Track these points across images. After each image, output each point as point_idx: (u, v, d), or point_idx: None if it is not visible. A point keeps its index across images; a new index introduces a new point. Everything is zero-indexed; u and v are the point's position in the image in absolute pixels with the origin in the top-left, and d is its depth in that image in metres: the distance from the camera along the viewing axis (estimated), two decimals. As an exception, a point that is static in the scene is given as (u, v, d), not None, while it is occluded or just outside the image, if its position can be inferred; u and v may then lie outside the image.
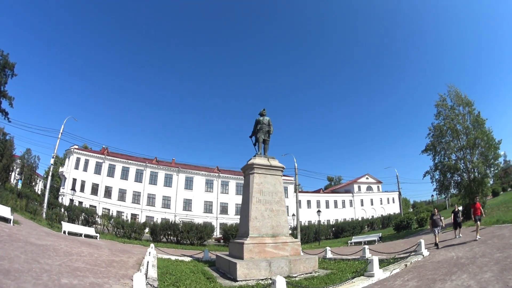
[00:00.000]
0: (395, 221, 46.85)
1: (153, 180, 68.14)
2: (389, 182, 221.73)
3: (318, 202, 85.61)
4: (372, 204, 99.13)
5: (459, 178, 36.77)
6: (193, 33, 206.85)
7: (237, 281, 12.34)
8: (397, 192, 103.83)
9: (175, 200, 68.05)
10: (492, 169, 35.41)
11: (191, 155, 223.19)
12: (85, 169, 63.07)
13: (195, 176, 72.43)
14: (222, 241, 39.59)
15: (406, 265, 13.45)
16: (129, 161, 67.36)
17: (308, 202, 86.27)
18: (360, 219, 69.29)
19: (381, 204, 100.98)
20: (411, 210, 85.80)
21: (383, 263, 14.35)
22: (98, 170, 64.09)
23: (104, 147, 68.77)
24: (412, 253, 15.86)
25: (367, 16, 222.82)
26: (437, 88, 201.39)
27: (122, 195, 64.12)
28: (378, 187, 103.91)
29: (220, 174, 75.12)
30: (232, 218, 68.00)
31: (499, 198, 51.17)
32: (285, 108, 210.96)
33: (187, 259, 20.13)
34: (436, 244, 18.21)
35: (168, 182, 69.43)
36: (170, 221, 40.82)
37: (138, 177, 67.04)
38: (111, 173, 65.05)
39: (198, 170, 73.54)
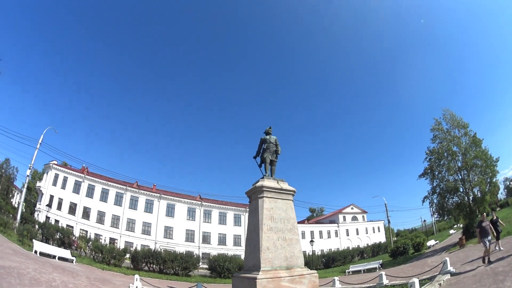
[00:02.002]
0: (391, 248, 46.85)
1: (134, 204, 65.39)
2: (374, 211, 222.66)
3: (303, 233, 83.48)
4: (357, 233, 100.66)
5: (458, 199, 37.00)
6: (178, 59, 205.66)
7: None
8: (382, 221, 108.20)
9: (155, 227, 65.34)
10: (493, 188, 36.30)
11: (172, 182, 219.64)
12: (63, 187, 59.77)
13: (177, 204, 70.19)
14: (209, 272, 36.90)
15: (440, 284, 12.99)
16: (109, 183, 64.45)
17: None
18: (346, 248, 70.39)
19: (367, 233, 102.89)
20: (395, 238, 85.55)
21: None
22: (77, 189, 60.97)
23: (84, 166, 65.99)
24: (439, 273, 15.09)
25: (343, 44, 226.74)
26: (423, 115, 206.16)
27: (100, 217, 60.90)
28: (363, 216, 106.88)
29: (202, 203, 73.23)
30: (215, 248, 66.60)
31: (503, 212, 53.22)
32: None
33: None
34: (486, 260, 15.53)
35: (148, 208, 66.84)
36: (150, 248, 38.90)
37: (118, 201, 64.07)
38: (90, 193, 61.92)
39: (180, 197, 71.43)
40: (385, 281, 16.66)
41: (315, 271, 14.73)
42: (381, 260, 36.85)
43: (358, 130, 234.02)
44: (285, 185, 15.87)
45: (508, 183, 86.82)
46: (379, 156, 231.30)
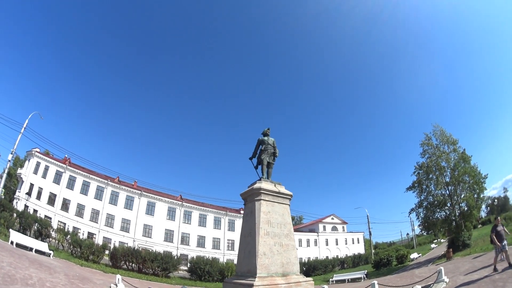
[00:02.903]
0: (373, 259, 46.87)
1: (114, 200, 63.40)
2: (355, 222, 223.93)
3: None
4: (337, 244, 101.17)
5: (444, 213, 37.52)
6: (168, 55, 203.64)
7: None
8: (362, 233, 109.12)
9: (135, 224, 63.54)
10: (480, 204, 37.07)
11: (154, 179, 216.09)
12: (44, 176, 57.41)
13: (157, 202, 68.57)
14: (189, 274, 36.07)
15: None
16: (91, 176, 62.37)
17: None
18: (325, 258, 70.80)
19: (346, 244, 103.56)
20: (373, 250, 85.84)
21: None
22: (57, 179, 58.67)
23: (67, 156, 63.67)
24: (435, 282, 15.39)
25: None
26: (408, 131, 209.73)
27: (80, 210, 58.68)
28: (343, 227, 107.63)
29: (183, 203, 71.80)
30: (194, 250, 65.64)
31: (485, 229, 52.05)
32: (246, 141, 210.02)
33: None
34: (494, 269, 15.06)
35: (129, 204, 64.98)
36: (129, 246, 37.93)
37: (99, 195, 62.02)
38: (70, 185, 59.60)
39: (161, 196, 69.73)
40: None
41: (311, 279, 14.16)
42: (366, 271, 36.45)
43: (342, 142, 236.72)
44: (282, 189, 15.26)
45: (489, 201, 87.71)
46: (361, 169, 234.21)
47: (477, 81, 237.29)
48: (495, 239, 15.11)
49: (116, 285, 15.98)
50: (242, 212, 77.46)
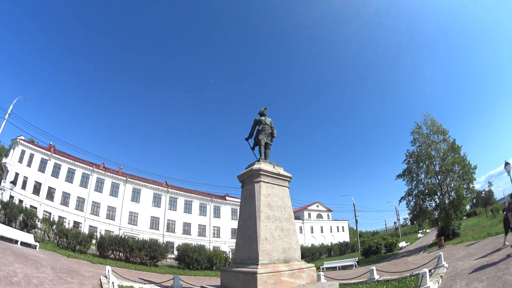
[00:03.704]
0: (362, 247, 46.77)
1: (99, 187, 61.96)
2: (339, 210, 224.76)
3: None
4: (322, 231, 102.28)
5: (433, 202, 37.85)
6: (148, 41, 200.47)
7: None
8: (347, 221, 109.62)
9: (120, 212, 62.40)
10: (469, 194, 36.54)
11: (140, 164, 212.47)
12: (29, 165, 55.54)
13: (142, 189, 67.50)
14: (176, 262, 34.98)
15: (441, 276, 13.05)
16: (76, 163, 60.73)
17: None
18: (311, 245, 71.10)
19: (331, 232, 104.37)
20: (356, 239, 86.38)
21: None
22: (42, 167, 56.85)
23: (51, 144, 61.75)
24: (436, 267, 15.10)
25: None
26: (397, 121, 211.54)
27: (65, 199, 57.05)
28: (328, 215, 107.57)
29: (169, 189, 70.80)
30: (179, 237, 65.18)
31: (471, 220, 54.57)
32: (229, 123, 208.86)
33: None
34: None
35: (114, 191, 63.71)
36: (116, 234, 37.71)
37: (84, 182, 60.53)
38: (55, 173, 57.96)
39: (146, 182, 68.57)
40: (376, 276, 16.33)
41: (313, 265, 13.46)
42: (357, 258, 36.16)
43: (329, 130, 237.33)
44: (281, 170, 14.53)
45: (474, 194, 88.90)
46: (347, 157, 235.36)
47: (464, 80, 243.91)
48: (511, 219, 14.64)
49: (106, 277, 15.00)
50: (227, 198, 77.56)
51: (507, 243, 16.16)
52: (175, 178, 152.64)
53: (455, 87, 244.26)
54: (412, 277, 14.17)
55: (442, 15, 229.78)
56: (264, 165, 13.77)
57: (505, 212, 16.55)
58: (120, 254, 30.43)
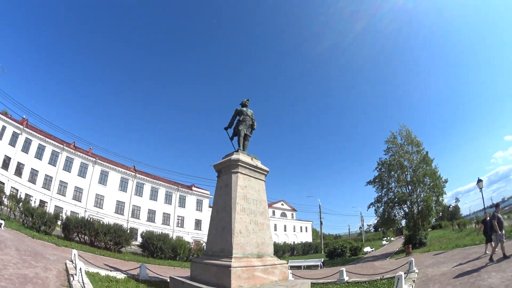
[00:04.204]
0: (328, 248, 46.86)
1: (68, 166, 59.03)
2: (304, 210, 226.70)
3: None
4: (285, 230, 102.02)
5: (402, 211, 38.15)
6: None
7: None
8: (310, 222, 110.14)
9: (87, 194, 59.72)
10: (438, 206, 37.13)
11: (109, 145, 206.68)
12: (0, 137, 51.75)
13: (111, 172, 65.08)
14: (140, 250, 33.81)
15: (413, 281, 13.10)
16: (47, 139, 57.39)
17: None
18: (273, 243, 69.09)
19: (294, 231, 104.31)
20: (319, 241, 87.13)
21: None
22: (13, 141, 52.98)
23: (24, 117, 58.23)
24: (408, 272, 14.95)
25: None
26: (368, 130, 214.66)
27: (33, 176, 53.79)
28: (292, 214, 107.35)
29: (136, 175, 68.74)
30: (143, 224, 63.54)
31: (436, 232, 55.41)
32: (202, 116, 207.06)
33: (121, 276, 14.95)
34: (503, 253, 14.26)
35: (82, 172, 60.94)
36: (82, 216, 36.06)
37: (53, 160, 57.38)
38: (26, 148, 54.36)
39: (115, 165, 66.25)
40: (346, 278, 16.11)
41: (285, 262, 13.16)
42: (322, 259, 36.29)
43: (300, 132, 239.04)
44: (259, 163, 14.13)
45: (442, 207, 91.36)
46: (316, 159, 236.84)
47: (438, 97, 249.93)
48: (497, 226, 14.37)
49: (72, 261, 14.24)
50: (193, 188, 76.59)
51: (488, 252, 16.20)
52: (144, 163, 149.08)
53: (433, 105, 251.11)
54: (384, 280, 14.06)
55: (426, 34, 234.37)
56: (243, 156, 13.32)
57: (487, 222, 16.68)
58: (85, 237, 29.06)
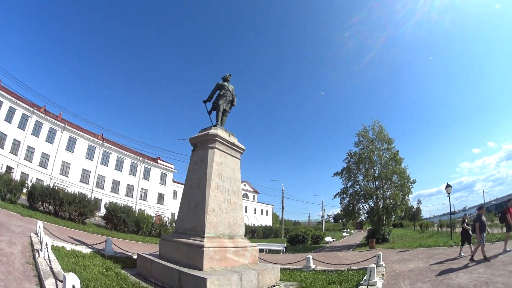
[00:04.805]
0: (290, 234, 46.56)
1: (36, 131, 55.41)
2: (266, 193, 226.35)
3: None
4: (246, 211, 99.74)
5: (366, 205, 38.75)
6: None
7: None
8: (271, 206, 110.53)
9: (53, 161, 56.73)
10: (403, 205, 37.33)
11: (79, 110, 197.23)
12: None
13: (79, 138, 61.93)
14: (104, 222, 32.92)
15: (383, 274, 12.82)
16: (18, 102, 53.36)
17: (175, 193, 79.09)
18: None
19: (255, 213, 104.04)
20: (279, 225, 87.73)
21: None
22: None
23: None
24: (376, 266, 13.90)
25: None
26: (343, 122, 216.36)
27: (1, 140, 50.26)
28: (254, 196, 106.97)
29: (104, 143, 66.15)
30: (107, 195, 61.67)
31: (398, 231, 55.29)
32: (175, 89, 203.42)
33: (87, 251, 14.12)
34: (483, 256, 14.14)
35: (51, 137, 57.54)
36: (47, 184, 35.02)
37: (22, 124, 53.64)
38: None
39: (83, 132, 63.04)
40: (312, 266, 15.88)
41: (255, 244, 12.68)
42: (285, 244, 36.30)
43: (270, 116, 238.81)
44: (236, 141, 13.57)
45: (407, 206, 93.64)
46: (282, 143, 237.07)
47: (413, 101, 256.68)
48: (478, 230, 14.42)
49: (37, 234, 13.37)
50: (158, 161, 75.24)
51: (463, 254, 16.43)
52: (113, 132, 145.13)
53: (406, 107, 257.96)
54: (351, 271, 13.89)
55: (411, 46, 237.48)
56: (221, 132, 12.68)
57: (464, 224, 17.26)
58: (50, 207, 28.01)
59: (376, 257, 15.29)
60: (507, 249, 15.28)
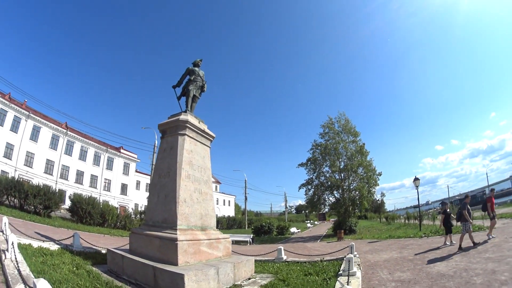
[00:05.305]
0: (255, 225, 46.53)
1: (1, 119, 51.30)
2: (227, 183, 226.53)
3: (147, 186, 76.34)
4: None
5: (332, 196, 39.32)
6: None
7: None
8: (234, 197, 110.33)
9: (18, 151, 52.98)
10: (370, 197, 38.33)
11: (44, 96, 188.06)
12: None
13: (43, 127, 57.86)
14: (70, 214, 31.83)
15: (359, 265, 12.67)
16: None
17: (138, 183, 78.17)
18: None
19: (217, 204, 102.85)
20: (241, 216, 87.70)
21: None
22: None
23: None
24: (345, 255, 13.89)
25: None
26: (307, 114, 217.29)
27: None
28: (216, 186, 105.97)
29: (68, 132, 62.58)
30: (71, 186, 59.14)
31: (363, 222, 57.40)
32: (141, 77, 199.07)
33: (55, 247, 13.15)
34: (473, 242, 14.41)
35: (15, 126, 53.38)
36: (12, 176, 33.94)
37: None
38: None
39: (47, 120, 59.07)
40: (284, 257, 15.70)
41: (228, 236, 12.20)
42: (251, 235, 35.92)
43: (231, 102, 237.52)
44: (206, 128, 12.94)
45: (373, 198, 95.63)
46: (245, 133, 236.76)
47: (380, 95, 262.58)
48: (466, 217, 14.68)
49: (2, 232, 12.39)
50: (121, 151, 72.97)
51: (447, 243, 16.57)
52: (77, 119, 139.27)
53: (372, 101, 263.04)
54: (325, 262, 13.81)
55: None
56: (191, 118, 11.98)
57: (445, 213, 17.59)
58: (15, 200, 27.32)
59: (349, 247, 15.10)
60: (492, 235, 15.57)
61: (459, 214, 15.42)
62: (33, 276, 6.87)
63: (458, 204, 29.01)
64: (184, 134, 11.44)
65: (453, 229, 17.35)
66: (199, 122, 12.48)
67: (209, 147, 13.19)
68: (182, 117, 11.65)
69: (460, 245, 14.32)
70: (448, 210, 18.04)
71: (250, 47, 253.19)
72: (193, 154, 11.65)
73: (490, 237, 15.44)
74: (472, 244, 14.22)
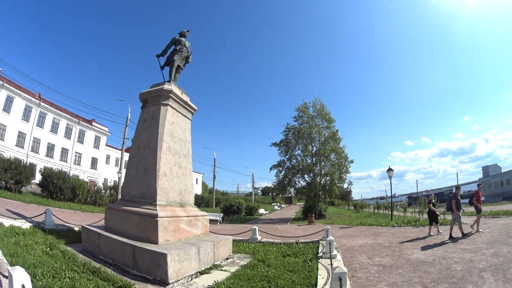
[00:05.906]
0: (224, 204, 46.26)
1: None
2: (195, 160, 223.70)
3: (117, 160, 75.03)
4: None
5: (303, 180, 39.40)
6: None
7: (168, 284, 6.93)
8: (202, 175, 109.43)
9: None
10: (340, 184, 39.86)
11: (19, 62, 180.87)
12: None
13: (16, 97, 53.75)
14: (40, 189, 31.03)
15: (336, 248, 12.45)
16: None
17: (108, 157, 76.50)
18: None
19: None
20: (208, 195, 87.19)
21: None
22: None
23: None
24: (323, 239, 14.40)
25: None
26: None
27: None
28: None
29: (41, 103, 58.55)
30: (42, 160, 56.22)
31: (331, 209, 56.30)
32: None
33: (26, 225, 12.29)
34: (463, 232, 14.69)
35: None
36: None
37: None
38: None
39: (20, 91, 54.59)
40: (258, 237, 15.67)
41: (206, 213, 11.85)
42: (222, 214, 35.38)
43: (212, 79, 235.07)
44: (188, 99, 12.34)
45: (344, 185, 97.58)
46: (216, 110, 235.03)
47: (354, 86, 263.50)
48: (455, 207, 14.81)
49: None
50: (93, 124, 70.35)
51: (432, 234, 16.58)
52: (53, 89, 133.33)
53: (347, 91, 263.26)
54: (300, 244, 13.85)
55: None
56: (175, 88, 11.38)
57: (430, 204, 17.49)
58: None
59: (324, 231, 14.99)
60: (479, 230, 15.62)
61: (449, 203, 15.68)
62: (6, 262, 6.38)
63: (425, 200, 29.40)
64: (167, 105, 10.84)
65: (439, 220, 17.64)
66: (182, 93, 11.85)
67: (190, 120, 12.63)
68: (166, 86, 11.03)
69: (450, 234, 14.47)
70: (433, 200, 18.14)
71: (227, 27, 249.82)
72: (175, 125, 11.09)
73: (480, 230, 15.48)
74: (461, 235, 14.42)
